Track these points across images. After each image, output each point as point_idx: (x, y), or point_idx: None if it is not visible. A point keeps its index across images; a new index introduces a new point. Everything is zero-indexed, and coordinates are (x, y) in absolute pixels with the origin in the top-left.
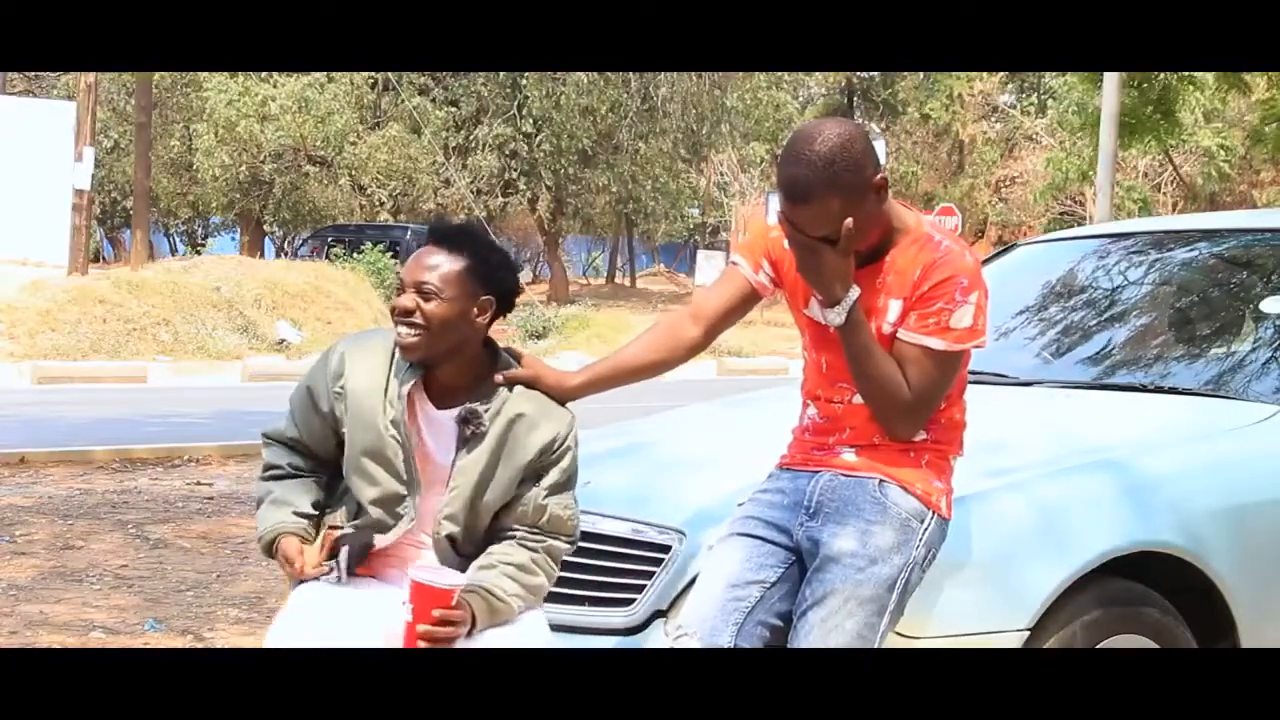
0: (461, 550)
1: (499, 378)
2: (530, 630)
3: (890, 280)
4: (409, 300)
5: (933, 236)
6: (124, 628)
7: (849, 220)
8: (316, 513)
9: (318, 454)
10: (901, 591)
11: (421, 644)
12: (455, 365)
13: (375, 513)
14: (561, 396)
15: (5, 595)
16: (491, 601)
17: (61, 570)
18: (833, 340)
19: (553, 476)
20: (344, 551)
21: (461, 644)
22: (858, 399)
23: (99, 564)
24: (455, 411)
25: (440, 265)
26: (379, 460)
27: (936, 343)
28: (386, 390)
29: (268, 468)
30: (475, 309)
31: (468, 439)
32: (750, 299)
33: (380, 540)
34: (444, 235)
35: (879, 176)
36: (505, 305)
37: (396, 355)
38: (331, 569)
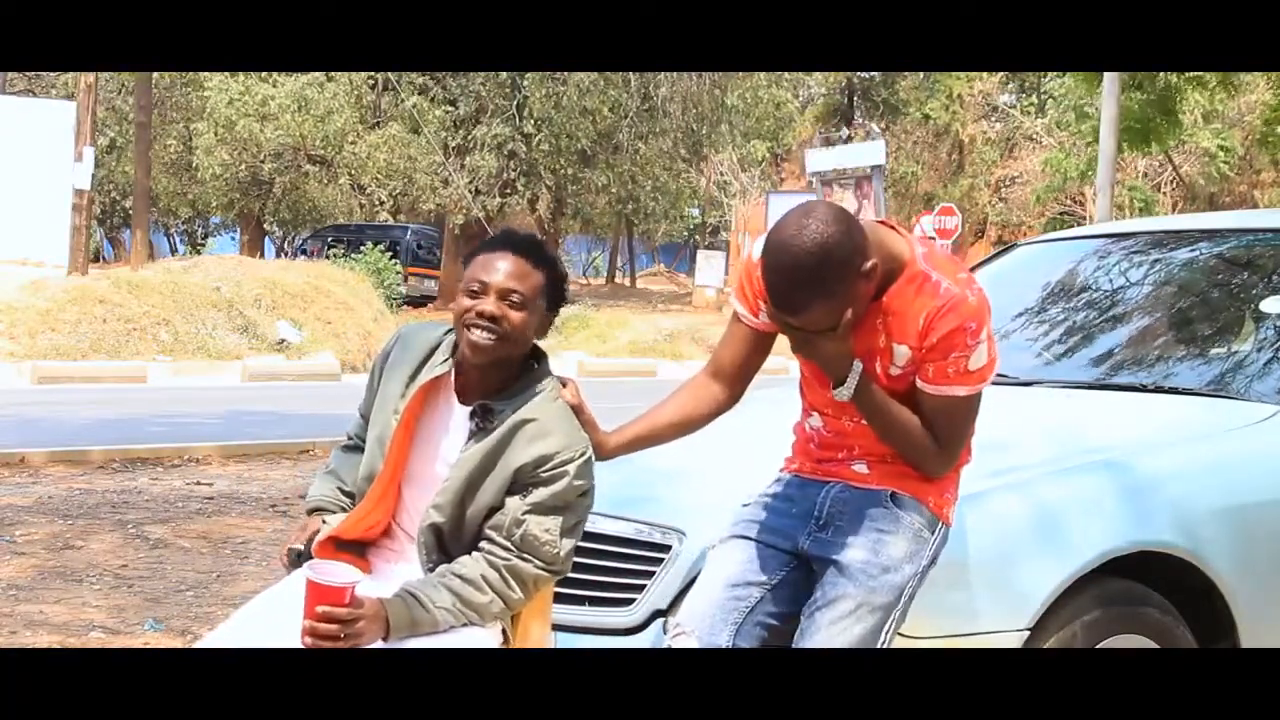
0: (447, 547)
1: (566, 395)
2: (457, 640)
3: (890, 322)
4: (494, 306)
5: (929, 276)
6: (124, 628)
7: (848, 313)
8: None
9: None
10: (909, 598)
11: (307, 640)
12: (498, 367)
13: (362, 489)
14: (597, 456)
15: (5, 595)
16: (414, 609)
17: (61, 570)
18: None
19: (540, 494)
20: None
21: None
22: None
23: (98, 564)
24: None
25: (528, 276)
26: (379, 441)
27: (962, 390)
28: (412, 379)
29: (348, 436)
30: (539, 322)
31: (474, 433)
32: (763, 340)
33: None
34: (527, 246)
35: (868, 265)
36: (552, 322)
37: (439, 349)
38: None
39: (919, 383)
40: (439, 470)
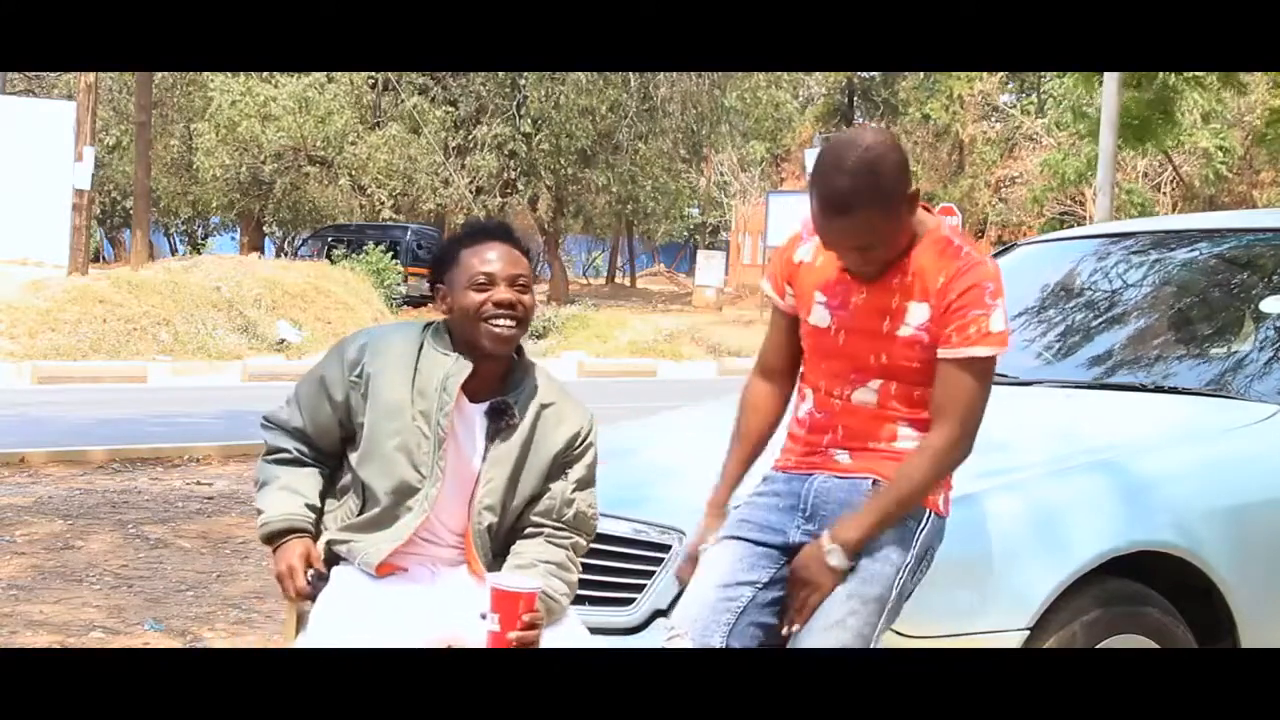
0: (494, 544)
1: None
2: (574, 628)
3: (911, 282)
4: (509, 294)
5: (952, 241)
6: (124, 628)
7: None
8: (321, 506)
9: (319, 445)
10: (900, 589)
11: (511, 646)
12: (502, 360)
13: (388, 502)
14: (716, 514)
15: (5, 595)
16: (548, 602)
17: (61, 570)
18: (836, 348)
19: (579, 471)
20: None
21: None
22: (855, 397)
23: (98, 564)
24: (486, 405)
25: (521, 260)
26: (402, 450)
27: (983, 350)
28: (414, 382)
29: (272, 450)
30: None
31: (500, 430)
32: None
33: (388, 537)
34: (506, 233)
35: (913, 189)
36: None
37: (423, 348)
38: (314, 583)
39: (941, 351)
40: (458, 470)
